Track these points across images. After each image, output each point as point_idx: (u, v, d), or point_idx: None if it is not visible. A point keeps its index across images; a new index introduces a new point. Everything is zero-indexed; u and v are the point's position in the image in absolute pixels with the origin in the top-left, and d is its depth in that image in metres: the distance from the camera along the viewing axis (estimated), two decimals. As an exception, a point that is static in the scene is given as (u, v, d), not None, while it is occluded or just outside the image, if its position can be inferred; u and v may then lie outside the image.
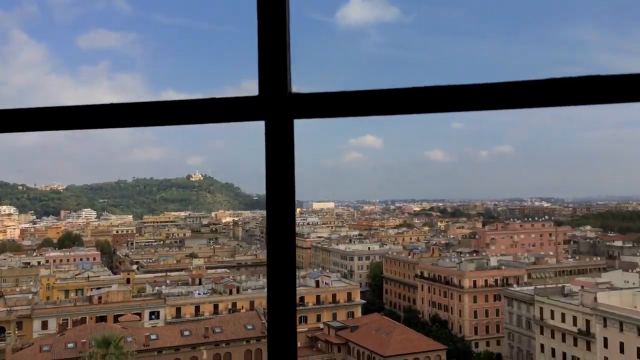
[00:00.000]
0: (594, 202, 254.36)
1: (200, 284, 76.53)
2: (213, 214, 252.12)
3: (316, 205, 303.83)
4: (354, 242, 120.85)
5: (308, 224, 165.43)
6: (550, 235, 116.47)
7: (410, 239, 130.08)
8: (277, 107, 1.99)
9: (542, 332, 65.44)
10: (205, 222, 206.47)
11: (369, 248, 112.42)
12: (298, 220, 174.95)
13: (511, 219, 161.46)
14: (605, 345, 57.34)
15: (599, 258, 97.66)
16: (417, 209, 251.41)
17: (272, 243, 1.99)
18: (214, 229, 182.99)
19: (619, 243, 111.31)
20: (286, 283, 1.99)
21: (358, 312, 72.68)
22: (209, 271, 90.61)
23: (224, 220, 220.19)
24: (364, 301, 77.89)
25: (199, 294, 71.14)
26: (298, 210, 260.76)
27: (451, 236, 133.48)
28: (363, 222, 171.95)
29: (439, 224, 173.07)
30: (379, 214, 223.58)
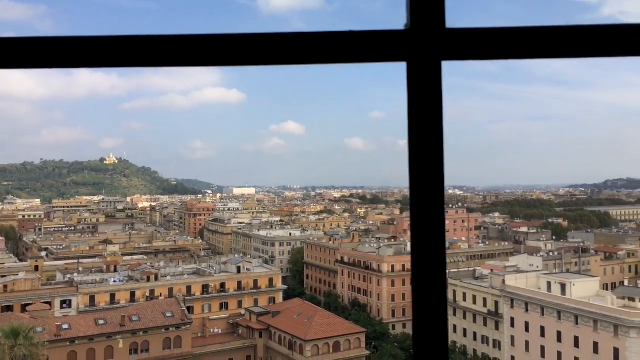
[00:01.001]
0: (502, 190, 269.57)
1: (115, 271, 74.01)
2: (129, 199, 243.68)
3: (237, 191, 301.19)
4: (276, 228, 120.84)
5: (229, 209, 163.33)
6: (463, 221, 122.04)
7: (331, 225, 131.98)
8: (429, 44, 1.59)
9: (455, 314, 68.57)
10: (120, 207, 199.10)
11: (290, 234, 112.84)
12: (218, 205, 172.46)
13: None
14: (512, 325, 61.08)
15: (506, 243, 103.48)
16: (338, 195, 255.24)
17: (416, 230, 1.64)
18: (129, 214, 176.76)
19: (524, 229, 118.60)
20: (436, 273, 1.65)
21: (279, 298, 73.00)
22: (125, 258, 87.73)
23: (140, 205, 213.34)
24: (285, 286, 78.33)
25: (114, 281, 68.73)
26: (218, 196, 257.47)
27: (370, 222, 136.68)
28: (284, 208, 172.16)
29: (358, 210, 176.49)
30: (300, 200, 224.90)
